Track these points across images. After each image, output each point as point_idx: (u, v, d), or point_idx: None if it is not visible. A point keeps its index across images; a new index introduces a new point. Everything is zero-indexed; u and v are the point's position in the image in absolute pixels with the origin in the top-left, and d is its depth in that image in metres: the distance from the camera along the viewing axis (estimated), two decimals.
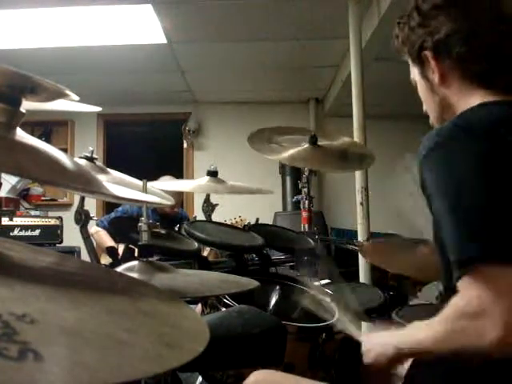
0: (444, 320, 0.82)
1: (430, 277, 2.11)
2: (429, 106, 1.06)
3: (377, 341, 1.02)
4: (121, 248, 1.51)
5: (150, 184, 1.35)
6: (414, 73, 1.06)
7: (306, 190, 2.08)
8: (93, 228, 3.40)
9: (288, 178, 5.07)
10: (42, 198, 5.19)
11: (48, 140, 5.26)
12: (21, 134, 0.59)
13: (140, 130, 6.36)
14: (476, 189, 0.78)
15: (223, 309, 1.29)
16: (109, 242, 3.40)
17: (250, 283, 1.07)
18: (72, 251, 3.59)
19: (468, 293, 0.77)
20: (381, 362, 1.00)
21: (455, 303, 0.79)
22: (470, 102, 0.92)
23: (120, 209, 3.68)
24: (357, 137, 2.95)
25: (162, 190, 1.58)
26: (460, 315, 0.78)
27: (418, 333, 0.89)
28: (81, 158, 1.50)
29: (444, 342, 0.82)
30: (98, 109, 0.75)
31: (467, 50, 0.94)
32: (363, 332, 1.12)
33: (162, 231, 1.55)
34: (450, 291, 0.89)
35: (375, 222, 3.09)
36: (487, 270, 0.74)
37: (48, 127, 5.45)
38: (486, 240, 0.75)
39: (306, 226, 2.09)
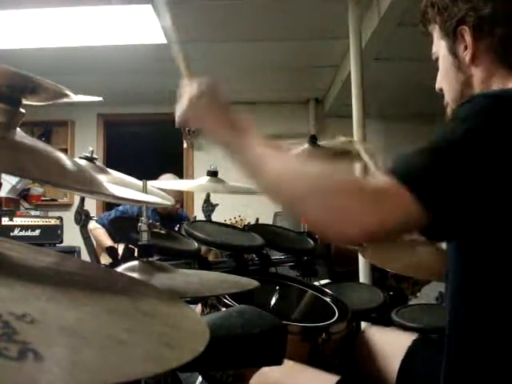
0: (329, 176, 0.74)
1: (429, 277, 2.11)
2: (449, 84, 0.99)
3: (211, 105, 0.90)
4: (121, 248, 1.50)
5: (150, 183, 1.35)
6: (440, 46, 0.99)
7: None
8: (91, 224, 3.39)
9: None
10: (42, 198, 5.19)
11: (48, 140, 5.27)
12: (21, 134, 0.59)
13: (140, 130, 6.36)
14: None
15: (223, 309, 1.29)
16: (106, 240, 3.40)
17: (250, 283, 1.07)
18: (72, 251, 3.59)
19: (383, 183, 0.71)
20: (187, 120, 0.92)
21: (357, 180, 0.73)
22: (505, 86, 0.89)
23: (120, 208, 3.68)
24: (357, 137, 2.95)
25: (162, 189, 1.58)
26: (357, 190, 0.71)
27: (277, 158, 0.79)
28: (81, 158, 1.50)
29: (304, 190, 0.74)
30: (99, 99, 0.76)
31: (509, 35, 0.89)
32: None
33: (162, 231, 1.55)
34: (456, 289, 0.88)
35: None
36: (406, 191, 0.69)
37: (48, 127, 5.45)
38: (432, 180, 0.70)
39: (306, 225, 2.08)
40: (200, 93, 0.93)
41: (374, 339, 1.35)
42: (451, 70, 0.97)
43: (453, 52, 0.96)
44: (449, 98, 1.00)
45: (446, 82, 1.00)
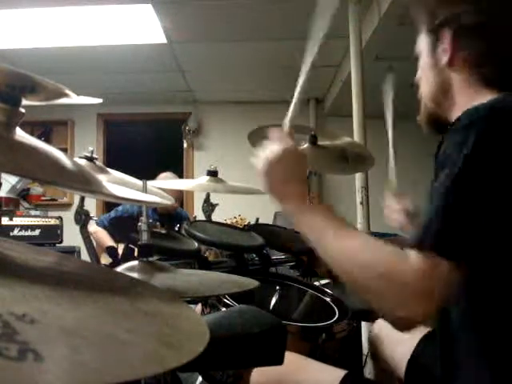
0: (379, 260, 0.78)
1: None
2: (425, 81, 0.99)
3: (290, 178, 0.94)
4: (121, 248, 1.51)
5: (150, 183, 1.35)
6: (423, 43, 0.99)
7: None
8: (92, 227, 3.40)
9: None
10: (42, 198, 5.19)
11: (48, 140, 5.26)
12: (21, 134, 0.59)
13: (140, 130, 6.36)
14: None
15: (223, 309, 1.29)
16: (108, 241, 3.41)
17: (250, 283, 1.07)
18: (72, 251, 3.59)
19: (418, 264, 0.74)
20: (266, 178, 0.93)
21: (403, 259, 0.76)
22: (478, 100, 0.86)
23: (120, 208, 3.68)
24: (357, 137, 2.95)
25: (161, 188, 1.58)
26: (397, 273, 0.75)
27: (342, 239, 0.84)
28: (81, 158, 1.51)
29: (356, 272, 0.80)
30: (98, 101, 0.76)
31: (490, 50, 0.90)
32: None
33: (162, 231, 1.55)
34: None
35: (375, 222, 3.08)
36: (439, 260, 0.73)
37: (48, 127, 5.45)
38: (454, 238, 0.74)
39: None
40: (277, 158, 0.96)
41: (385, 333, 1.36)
42: (429, 68, 0.97)
43: (432, 50, 0.95)
44: (424, 93, 1.01)
45: (423, 79, 1.00)
